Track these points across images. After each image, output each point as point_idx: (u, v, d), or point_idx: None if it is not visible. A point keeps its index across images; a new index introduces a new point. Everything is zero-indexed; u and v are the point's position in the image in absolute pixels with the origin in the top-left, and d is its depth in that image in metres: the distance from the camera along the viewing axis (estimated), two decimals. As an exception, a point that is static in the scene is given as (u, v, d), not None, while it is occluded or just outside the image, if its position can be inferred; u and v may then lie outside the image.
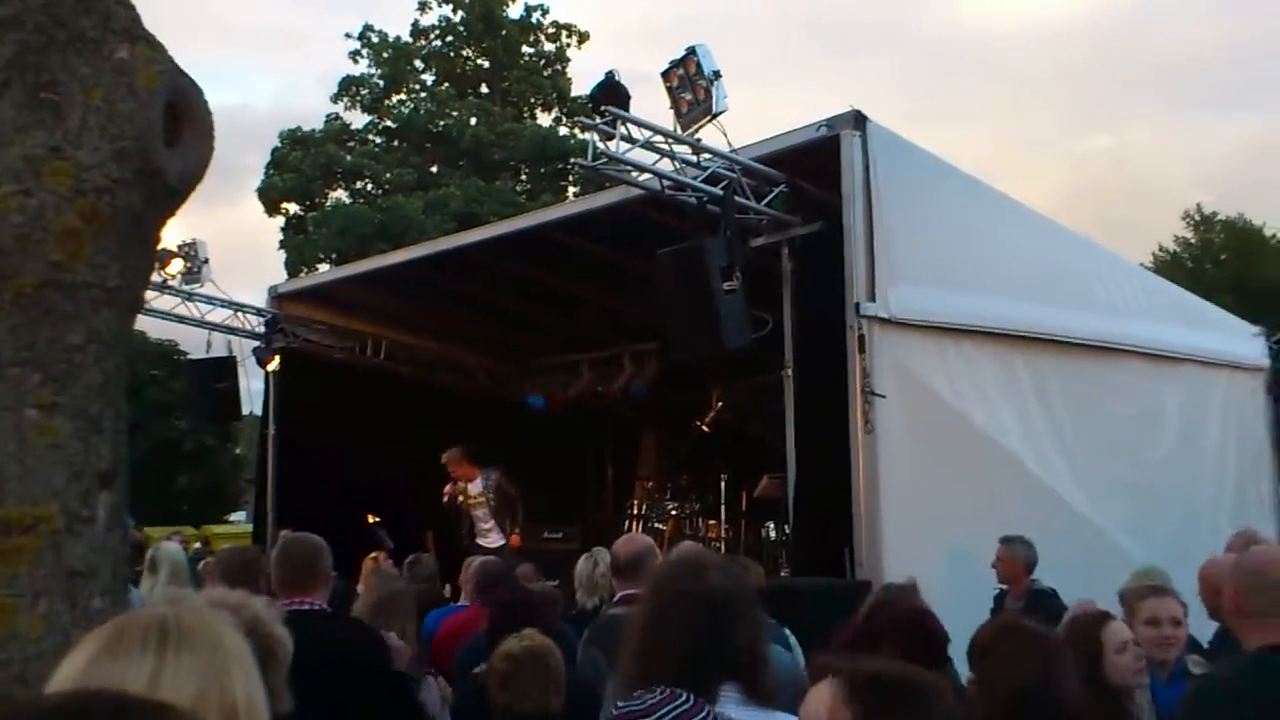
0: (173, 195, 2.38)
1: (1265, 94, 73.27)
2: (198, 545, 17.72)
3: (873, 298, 7.54)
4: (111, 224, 2.23)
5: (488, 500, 11.34)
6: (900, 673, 1.93)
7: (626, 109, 7.32)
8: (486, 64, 36.92)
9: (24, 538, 2.04)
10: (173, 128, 2.36)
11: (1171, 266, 37.50)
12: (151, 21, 2.44)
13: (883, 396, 7.39)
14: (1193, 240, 41.90)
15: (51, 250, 2.16)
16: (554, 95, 36.85)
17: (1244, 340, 11.73)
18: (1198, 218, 42.10)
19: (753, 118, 9.10)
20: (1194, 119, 75.56)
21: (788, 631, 4.90)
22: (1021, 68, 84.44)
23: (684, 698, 2.29)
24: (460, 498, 11.40)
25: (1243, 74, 74.95)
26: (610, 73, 7.38)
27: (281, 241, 33.89)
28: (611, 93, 7.29)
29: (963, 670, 3.55)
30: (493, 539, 11.16)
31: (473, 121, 34.15)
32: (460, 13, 36.03)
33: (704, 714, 2.29)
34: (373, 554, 8.85)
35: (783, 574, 8.60)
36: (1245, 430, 11.15)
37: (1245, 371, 11.44)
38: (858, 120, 7.67)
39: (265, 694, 1.53)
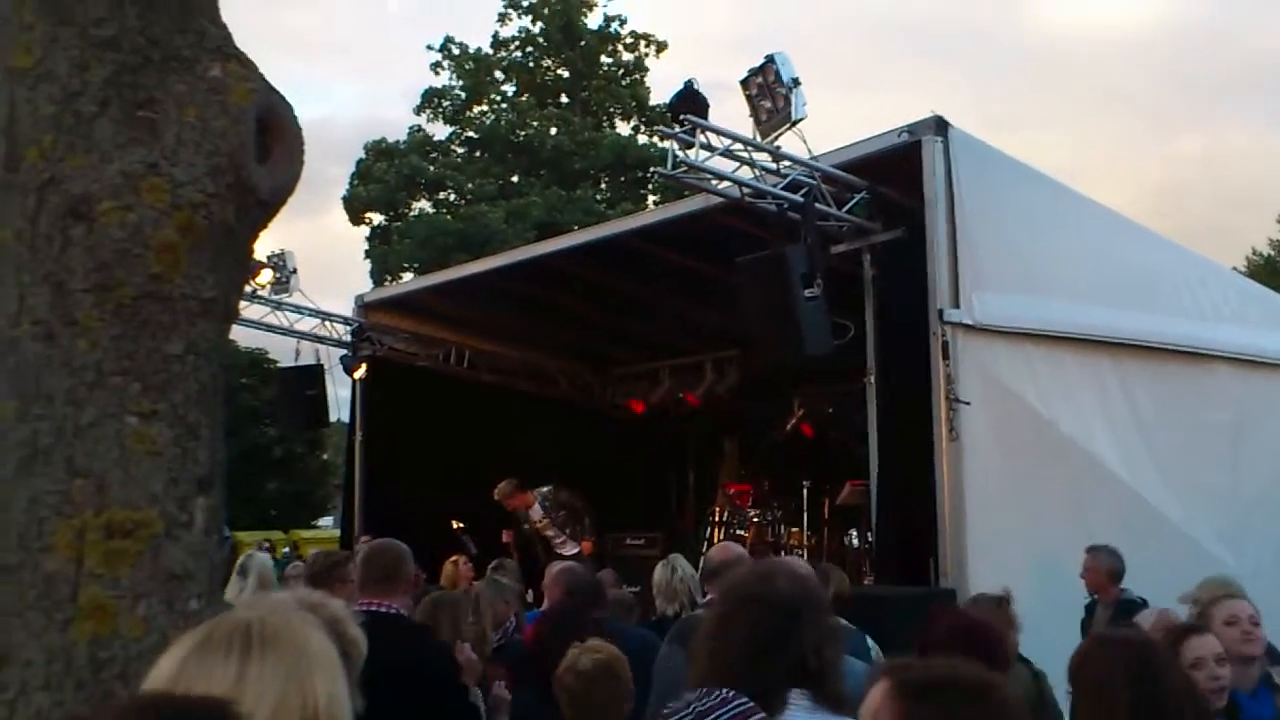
0: (264, 209, 2.45)
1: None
2: (285, 550, 18.07)
3: (956, 304, 7.48)
4: (206, 237, 2.30)
5: (552, 517, 11.37)
6: (950, 670, 1.91)
7: (705, 117, 7.35)
8: (566, 74, 37.20)
9: (125, 541, 2.11)
10: (264, 143, 2.42)
11: (1265, 271, 36.54)
12: (240, 38, 2.52)
13: (967, 403, 7.31)
14: (1288, 244, 40.77)
15: (150, 263, 2.23)
16: (633, 104, 36.98)
17: (1339, 345, 11.37)
18: (1292, 220, 40.95)
19: (833, 125, 9.06)
20: (1281, 122, 73.57)
21: (869, 640, 4.85)
22: (1107, 73, 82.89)
23: (742, 702, 2.28)
24: (525, 526, 11.42)
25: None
26: (689, 81, 7.41)
27: (366, 251, 34.45)
28: (690, 101, 7.32)
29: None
30: (569, 549, 11.20)
31: (553, 131, 34.41)
32: (540, 24, 36.35)
33: (757, 714, 2.28)
34: (453, 557, 8.94)
35: (866, 582, 8.55)
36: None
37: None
38: (939, 126, 7.62)
39: (347, 694, 1.56)
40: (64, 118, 2.27)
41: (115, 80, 2.30)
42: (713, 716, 2.23)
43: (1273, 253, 40.74)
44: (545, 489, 11.41)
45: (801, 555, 11.59)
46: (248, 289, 11.59)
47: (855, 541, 11.95)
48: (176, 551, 2.17)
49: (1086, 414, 8.24)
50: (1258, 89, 76.34)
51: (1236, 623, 4.23)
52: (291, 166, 2.48)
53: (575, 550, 11.09)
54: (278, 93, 2.50)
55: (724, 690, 2.30)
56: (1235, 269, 24.64)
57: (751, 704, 2.27)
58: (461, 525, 11.60)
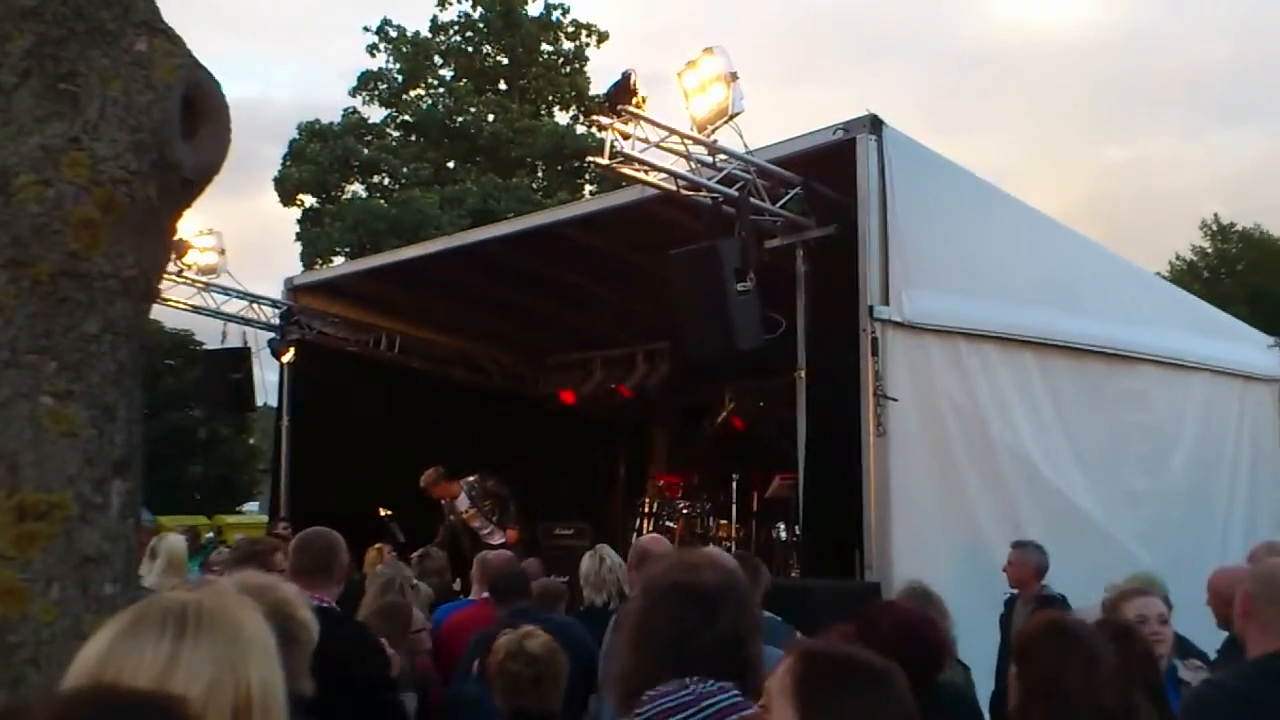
0: (188, 187, 2.41)
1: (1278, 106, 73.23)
2: (209, 535, 17.77)
3: (886, 301, 7.54)
4: (128, 215, 2.25)
5: (479, 507, 11.31)
6: (848, 653, 1.99)
7: (642, 109, 7.33)
8: (505, 61, 36.95)
9: (38, 524, 2.07)
10: (190, 120, 2.38)
11: (1188, 276, 37.43)
12: (171, 13, 2.46)
13: (895, 400, 7.39)
14: (1209, 250, 41.79)
15: (69, 240, 2.18)
16: (572, 93, 36.86)
17: (1259, 351, 11.68)
18: (1215, 228, 42.00)
19: (770, 121, 9.11)
20: (1211, 132, 75.43)
21: (799, 634, 4.89)
22: (1041, 80, 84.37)
23: (733, 693, 2.28)
24: (451, 516, 11.35)
25: (1259, 87, 74.83)
26: (627, 72, 7.37)
27: (298, 234, 33.99)
28: (627, 92, 7.29)
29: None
30: (495, 539, 11.15)
31: (490, 118, 34.19)
32: (480, 9, 36.07)
33: (750, 709, 2.27)
34: (376, 546, 8.88)
35: (793, 574, 8.61)
36: (1258, 440, 11.11)
37: (1259, 382, 11.40)
38: (874, 124, 7.67)
39: (284, 680, 1.53)
40: (-18, 88, 2.21)
41: (36, 52, 2.24)
42: (703, 706, 2.23)
43: (1194, 258, 41.68)
44: (471, 478, 11.34)
45: (730, 547, 11.66)
46: (174, 269, 11.39)
47: (783, 534, 12.04)
48: (91, 535, 2.13)
49: (1012, 412, 8.36)
50: (1183, 100, 78.14)
51: (1145, 622, 4.32)
52: (218, 145, 2.44)
53: (501, 540, 11.05)
54: (205, 69, 2.45)
55: (712, 681, 2.30)
56: (1159, 274, 25.17)
57: (743, 698, 2.28)
58: (389, 513, 11.52)
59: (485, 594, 6.34)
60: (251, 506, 33.27)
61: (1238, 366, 10.95)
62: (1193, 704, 3.26)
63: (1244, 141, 73.98)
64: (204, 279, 11.72)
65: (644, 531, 12.57)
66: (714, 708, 2.26)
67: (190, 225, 11.87)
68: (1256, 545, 6.50)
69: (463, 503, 11.25)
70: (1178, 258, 41.91)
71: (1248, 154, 70.36)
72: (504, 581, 5.99)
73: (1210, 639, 4.86)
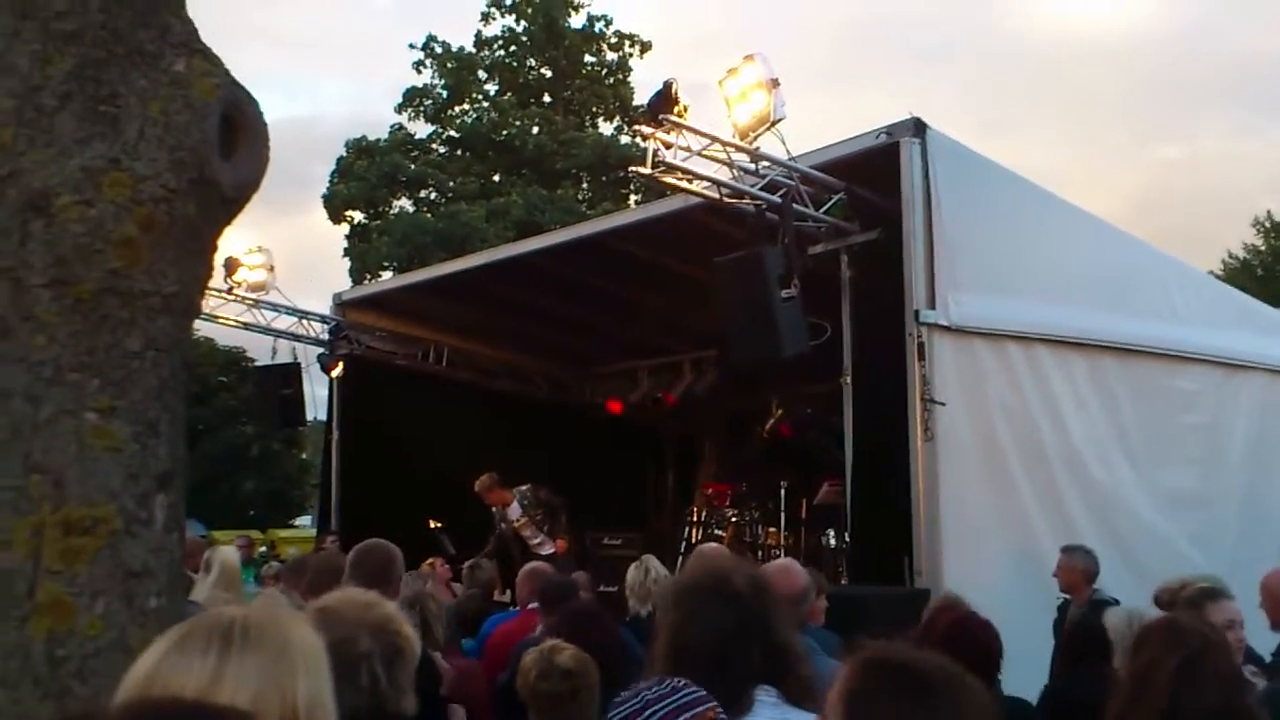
0: (228, 205, 2.43)
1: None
2: (263, 549, 17.98)
3: (932, 305, 7.50)
4: (168, 233, 2.28)
5: (531, 516, 11.33)
6: (908, 657, 1.87)
7: (684, 117, 7.34)
8: (549, 73, 37.14)
9: (83, 538, 2.10)
10: (228, 139, 2.41)
11: (1242, 274, 36.83)
12: (220, 34, 2.50)
13: (942, 404, 7.34)
14: (1262, 248, 41.13)
15: (110, 259, 2.21)
16: (616, 104, 36.94)
17: (1314, 348, 11.45)
18: (1268, 225, 41.32)
19: (813, 127, 9.09)
20: (1265, 127, 74.32)
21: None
22: (1088, 78, 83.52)
23: (690, 691, 2.25)
24: (503, 525, 11.37)
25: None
26: (668, 81, 7.39)
27: (345, 249, 34.32)
28: (668, 101, 7.30)
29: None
30: (545, 549, 11.17)
31: (535, 130, 34.35)
32: (523, 23, 36.27)
33: (706, 704, 2.24)
34: (429, 560, 8.92)
35: (842, 581, 8.56)
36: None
37: (1316, 380, 11.17)
38: (917, 128, 7.64)
39: (333, 695, 1.54)
40: (25, 111, 2.25)
41: (77, 74, 2.28)
42: (660, 705, 2.21)
43: (1248, 256, 41.03)
44: (524, 488, 11.37)
45: (779, 555, 11.61)
46: (224, 286, 11.57)
47: (832, 541, 11.97)
48: (136, 548, 2.15)
49: (1063, 414, 8.27)
50: (1234, 95, 77.03)
51: (1231, 627, 4.25)
52: (256, 162, 2.47)
53: (551, 550, 11.07)
54: (243, 88, 2.48)
55: (674, 680, 2.28)
56: (1212, 272, 24.80)
57: (701, 693, 2.26)
58: (439, 525, 11.58)
59: (532, 605, 6.33)
60: (304, 520, 33.54)
61: (1293, 365, 10.75)
62: (1266, 699, 3.23)
63: (1297, 136, 72.81)
64: (254, 296, 11.88)
65: (694, 541, 12.56)
66: (670, 705, 2.23)
67: (240, 243, 12.06)
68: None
69: (514, 511, 11.28)
70: (1230, 255, 41.28)
71: (1302, 149, 69.24)
72: (554, 590, 5.97)
73: (1264, 642, 4.79)
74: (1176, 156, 75.48)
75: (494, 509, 11.38)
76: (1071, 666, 4.62)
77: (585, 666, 3.75)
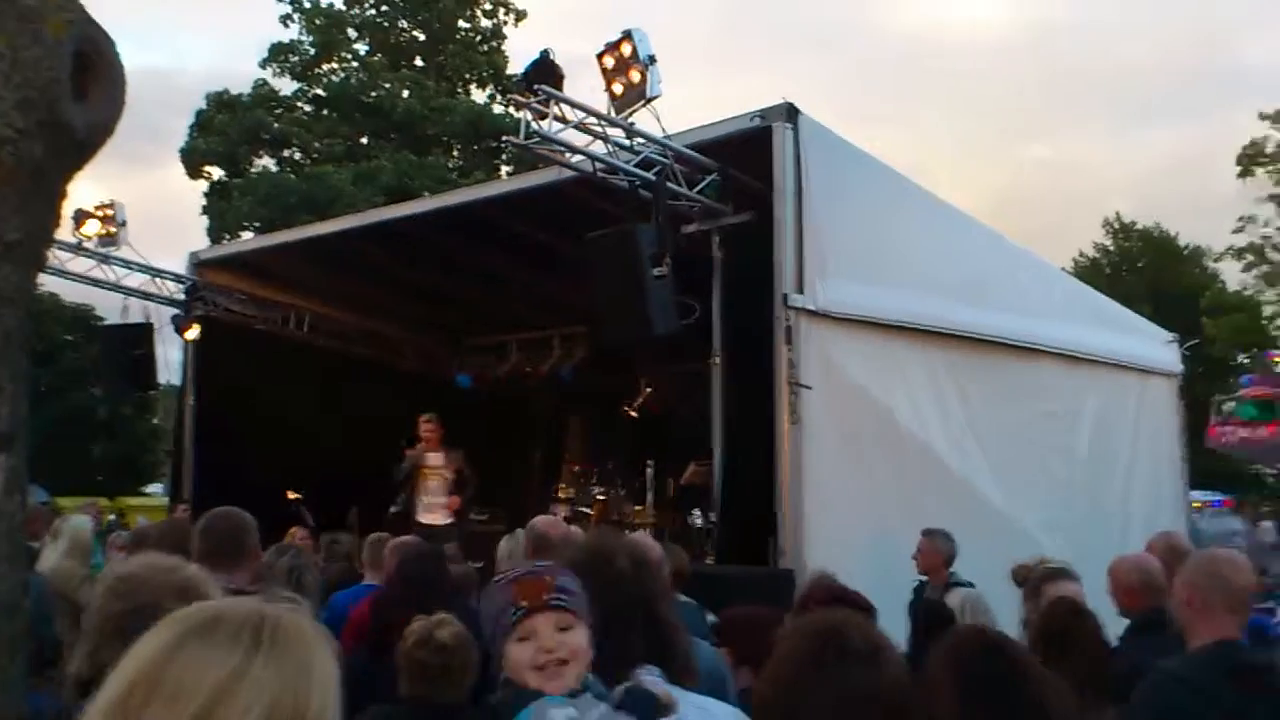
0: (80, 149, 2.28)
1: (1188, 108, 75.62)
2: (111, 518, 17.33)
3: (801, 289, 7.57)
4: (13, 176, 2.13)
5: (444, 476, 11.15)
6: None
7: (560, 88, 7.24)
8: (422, 36, 36.41)
9: (-93, 501, 1.94)
10: (82, 79, 2.25)
11: (1092, 272, 38.41)
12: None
13: (808, 388, 7.42)
14: (1112, 248, 42.93)
15: (-54, 202, 2.05)
16: (489, 72, 36.43)
17: (1158, 346, 12.00)
18: (1116, 226, 43.15)
19: (688, 107, 9.07)
20: (1127, 131, 77.60)
21: (708, 615, 4.89)
22: (964, 75, 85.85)
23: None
24: (406, 465, 11.14)
25: (1168, 89, 77.09)
26: (545, 51, 7.29)
27: (204, 207, 33.23)
28: (545, 71, 7.20)
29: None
30: (437, 516, 10.99)
31: (405, 94, 33.68)
32: (397, -17, 35.53)
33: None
34: (291, 530, 8.69)
35: (707, 561, 8.61)
36: (1157, 433, 11.41)
37: (1159, 376, 11.71)
38: (790, 113, 7.69)
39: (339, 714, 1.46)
40: None
41: (-86, 1, 2.10)
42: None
43: (1098, 255, 42.75)
44: (459, 454, 11.26)
45: (645, 533, 11.65)
46: (74, 240, 11.04)
47: (699, 521, 12.07)
48: (-34, 514, 2.00)
49: (920, 402, 8.46)
50: (1099, 101, 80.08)
51: None
52: (111, 105, 2.32)
53: (446, 522, 10.93)
54: (98, 26, 2.32)
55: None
56: (1064, 270, 25.72)
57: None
58: (297, 496, 11.28)
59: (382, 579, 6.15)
60: (155, 488, 32.50)
61: (1138, 361, 11.23)
62: (1149, 691, 3.34)
63: (1156, 142, 76.24)
64: (104, 251, 11.36)
65: (562, 518, 12.52)
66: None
67: (90, 196, 11.51)
68: (1154, 536, 6.64)
69: (437, 459, 11.11)
70: (1081, 254, 43.00)
71: (1158, 154, 72.53)
72: (415, 565, 5.83)
73: (1110, 627, 4.95)
74: (1045, 156, 78.25)
75: (417, 449, 11.14)
76: (921, 642, 4.72)
77: (464, 645, 3.72)
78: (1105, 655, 3.61)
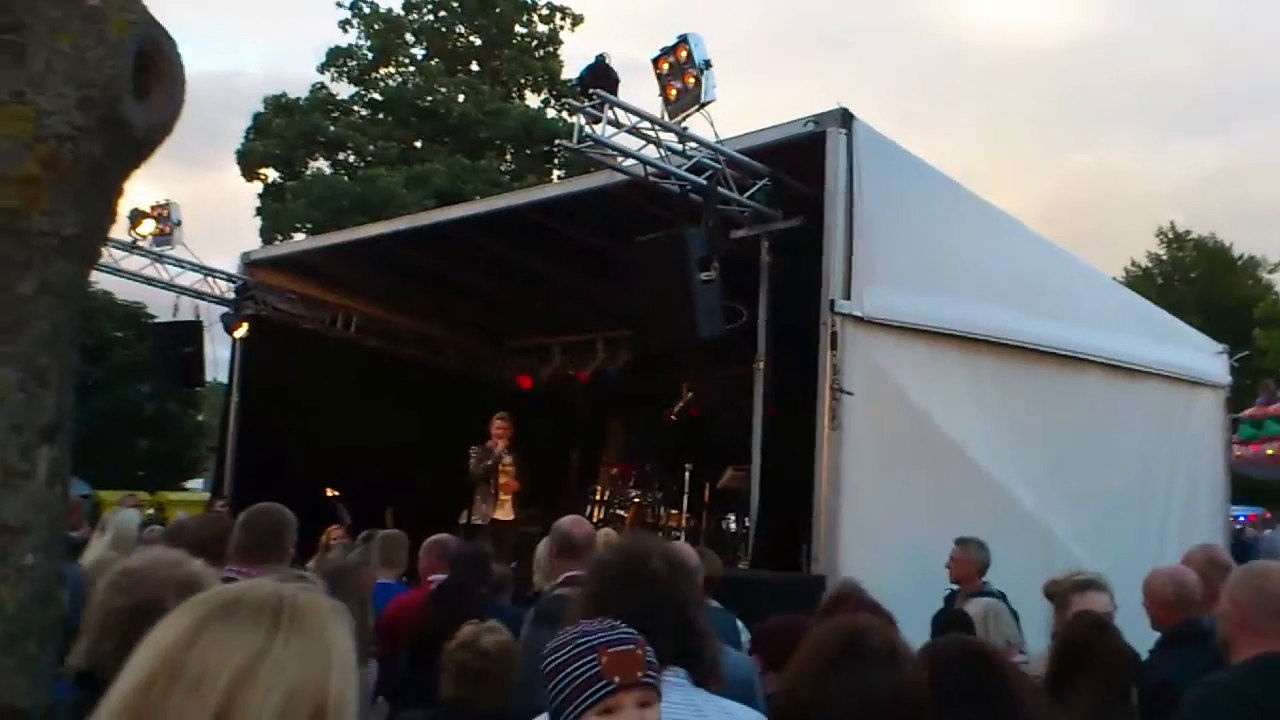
0: (138, 148, 2.32)
1: (1235, 118, 74.69)
2: (150, 512, 17.47)
3: (848, 296, 7.54)
4: (72, 173, 2.17)
5: (512, 473, 11.30)
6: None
7: (615, 93, 7.27)
8: (478, 41, 36.66)
9: (-42, 489, 1.99)
10: (143, 79, 2.29)
11: (1143, 281, 37.89)
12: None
13: (851, 394, 7.39)
14: (1164, 257, 42.33)
15: (8, 196, 2.09)
16: (544, 77, 36.61)
17: (1207, 357, 11.80)
18: (1170, 235, 42.55)
19: (741, 111, 9.06)
20: (1172, 141, 76.62)
21: (739, 622, 4.88)
22: (1010, 83, 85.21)
23: (625, 630, 2.19)
24: (486, 461, 11.20)
25: (1218, 100, 76.11)
26: (601, 55, 7.33)
27: (258, 208, 33.59)
28: (600, 75, 7.24)
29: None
30: (507, 513, 11.19)
31: (460, 99, 33.88)
32: (453, -12, 35.77)
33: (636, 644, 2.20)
34: (328, 529, 8.77)
35: (740, 565, 8.60)
36: (1202, 445, 11.23)
37: (1207, 388, 11.52)
38: (844, 118, 7.66)
39: (357, 696, 1.48)
40: (-79, 35, 2.12)
41: (-19, 1, 2.15)
42: (596, 635, 2.18)
43: (1150, 265, 42.18)
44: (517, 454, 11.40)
45: (680, 537, 11.64)
46: (128, 239, 11.22)
47: (734, 526, 12.05)
48: (14, 502, 2.04)
49: (962, 411, 8.39)
50: (1146, 108, 79.17)
51: None
52: (171, 105, 2.35)
53: (497, 513, 11.04)
54: (160, 26, 2.37)
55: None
56: (1115, 279, 25.40)
57: (635, 634, 2.21)
58: (335, 494, 11.37)
59: (433, 578, 6.20)
60: (196, 484, 32.83)
61: (1187, 372, 11.06)
62: (1197, 703, 3.31)
63: (1203, 151, 75.29)
64: (158, 250, 11.53)
65: (595, 519, 12.53)
66: (603, 637, 2.21)
67: (147, 196, 11.69)
68: (1193, 549, 6.55)
69: (508, 457, 11.24)
70: (1133, 264, 42.44)
71: (1206, 164, 71.58)
72: (465, 563, 5.86)
73: (1145, 639, 4.90)
74: (1089, 165, 77.49)
75: (489, 443, 11.22)
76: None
77: (505, 654, 3.79)
78: (1127, 669, 3.54)
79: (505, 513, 11.14)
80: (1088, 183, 76.00)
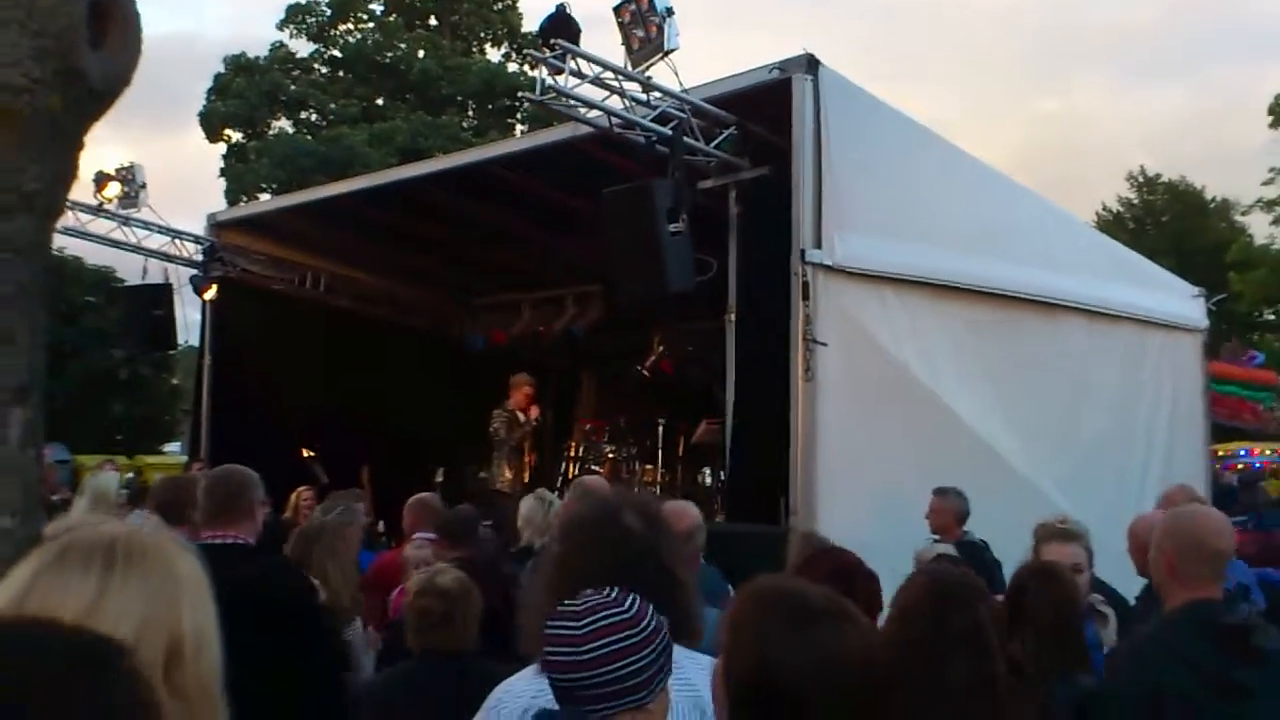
0: (97, 99, 2.27)
1: (1204, 62, 74.88)
2: (129, 475, 17.40)
3: (819, 245, 7.50)
4: (29, 126, 2.12)
5: (524, 430, 11.39)
6: (792, 585, 1.96)
7: (577, 43, 7.19)
8: (437, -4, 36.23)
9: (-75, 452, 1.95)
10: (98, 28, 2.24)
11: (1114, 226, 38.07)
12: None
13: (824, 344, 7.38)
14: (1135, 201, 42.49)
15: (-36, 151, 2.05)
16: (504, 30, 36.29)
17: (1184, 300, 11.83)
18: (1141, 179, 42.69)
19: (705, 61, 8.98)
20: (1140, 85, 76.78)
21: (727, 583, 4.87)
22: (975, 31, 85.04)
23: (628, 604, 2.14)
24: (526, 428, 11.33)
25: (1183, 43, 76.28)
26: (561, 5, 7.23)
27: (222, 169, 33.24)
28: (562, 25, 7.15)
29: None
30: (501, 465, 11.26)
31: (420, 54, 33.55)
32: (411, -58, 35.30)
33: (647, 619, 2.14)
34: (301, 487, 8.74)
35: (717, 519, 8.62)
36: (1180, 390, 11.28)
37: (1184, 332, 11.56)
38: (810, 64, 7.58)
39: (215, 625, 1.45)
40: None
41: (-75, -52, 2.09)
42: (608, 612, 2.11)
43: (1121, 209, 42.37)
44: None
45: (655, 492, 11.68)
46: (94, 202, 11.09)
47: (708, 480, 12.08)
48: (-14, 464, 2.01)
49: (937, 359, 8.38)
50: (1112, 53, 79.26)
51: (1075, 569, 4.38)
52: (128, 54, 2.30)
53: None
54: (114, -27, 2.31)
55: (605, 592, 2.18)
56: (1086, 223, 25.48)
57: (638, 605, 2.16)
58: (311, 454, 11.36)
59: (420, 535, 6.17)
60: (174, 447, 32.65)
61: (1162, 316, 11.09)
62: (1125, 655, 3.32)
63: (1171, 94, 75.52)
64: (124, 213, 11.39)
65: (570, 475, 12.55)
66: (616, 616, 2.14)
67: (111, 159, 11.52)
68: (1171, 489, 6.60)
69: (532, 416, 11.36)
70: (1104, 208, 42.61)
71: (1175, 107, 71.83)
72: (457, 525, 5.84)
73: (1130, 585, 4.95)
74: (1056, 110, 77.57)
75: (511, 406, 11.25)
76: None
77: (465, 590, 3.74)
78: (1067, 621, 3.51)
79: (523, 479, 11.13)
80: (1056, 128, 76.15)
